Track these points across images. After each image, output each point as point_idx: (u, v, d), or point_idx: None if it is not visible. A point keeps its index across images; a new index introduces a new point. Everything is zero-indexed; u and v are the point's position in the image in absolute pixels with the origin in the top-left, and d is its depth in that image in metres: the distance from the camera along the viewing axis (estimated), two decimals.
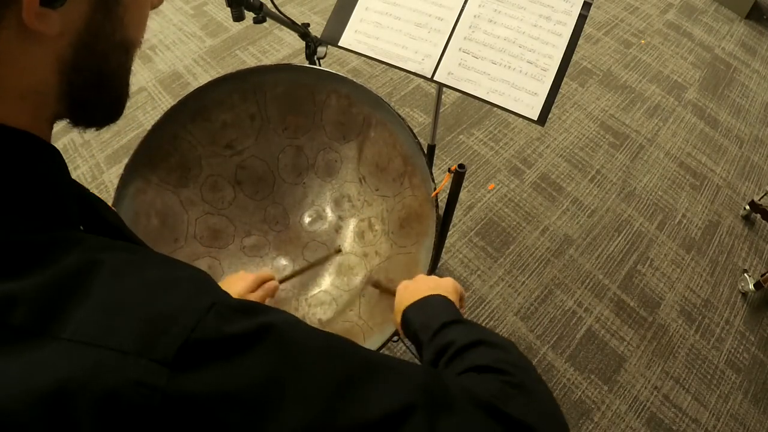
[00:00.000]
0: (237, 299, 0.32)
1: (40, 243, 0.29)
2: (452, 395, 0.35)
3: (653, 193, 2.08)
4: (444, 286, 0.65)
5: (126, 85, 0.39)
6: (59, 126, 0.36)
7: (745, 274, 1.82)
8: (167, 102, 2.20)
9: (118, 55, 0.36)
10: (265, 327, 0.30)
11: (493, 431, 0.34)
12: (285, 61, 2.38)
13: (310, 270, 1.01)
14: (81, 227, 0.36)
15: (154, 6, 0.39)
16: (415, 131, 0.88)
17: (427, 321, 0.56)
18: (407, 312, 0.61)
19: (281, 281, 0.91)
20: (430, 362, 0.49)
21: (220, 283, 0.37)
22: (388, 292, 0.90)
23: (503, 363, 0.43)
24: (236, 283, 0.77)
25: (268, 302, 0.82)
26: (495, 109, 2.07)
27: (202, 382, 0.27)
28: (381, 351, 0.83)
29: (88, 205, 0.40)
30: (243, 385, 0.28)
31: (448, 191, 1.08)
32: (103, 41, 0.34)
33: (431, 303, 0.61)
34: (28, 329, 0.26)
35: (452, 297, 0.62)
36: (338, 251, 1.03)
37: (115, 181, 0.93)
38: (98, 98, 0.37)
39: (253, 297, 0.77)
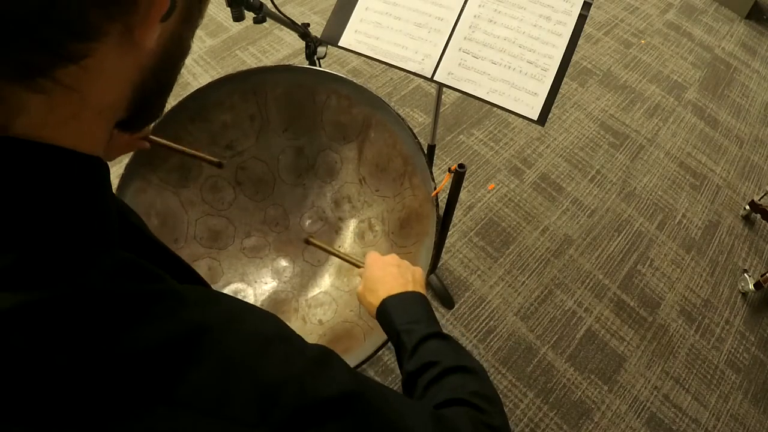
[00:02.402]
0: (308, 348, 0.34)
1: (139, 296, 0.28)
2: None
3: (653, 193, 2.08)
4: (419, 279, 0.68)
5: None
6: None
7: (745, 274, 1.82)
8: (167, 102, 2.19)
9: (183, 62, 0.36)
10: (347, 394, 0.33)
11: None
12: (285, 61, 2.38)
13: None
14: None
15: None
16: (415, 131, 0.88)
17: (412, 327, 0.58)
18: (388, 305, 0.62)
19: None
20: (410, 373, 0.54)
21: None
22: (336, 256, 0.91)
23: (481, 399, 0.48)
24: None
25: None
26: (495, 109, 2.07)
27: None
28: (382, 349, 0.84)
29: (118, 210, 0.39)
30: None
31: (448, 191, 1.08)
32: (179, 51, 0.34)
33: (413, 302, 0.63)
34: (144, 393, 0.26)
35: (424, 291, 0.66)
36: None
37: (115, 181, 0.93)
38: (155, 105, 0.36)
39: None
